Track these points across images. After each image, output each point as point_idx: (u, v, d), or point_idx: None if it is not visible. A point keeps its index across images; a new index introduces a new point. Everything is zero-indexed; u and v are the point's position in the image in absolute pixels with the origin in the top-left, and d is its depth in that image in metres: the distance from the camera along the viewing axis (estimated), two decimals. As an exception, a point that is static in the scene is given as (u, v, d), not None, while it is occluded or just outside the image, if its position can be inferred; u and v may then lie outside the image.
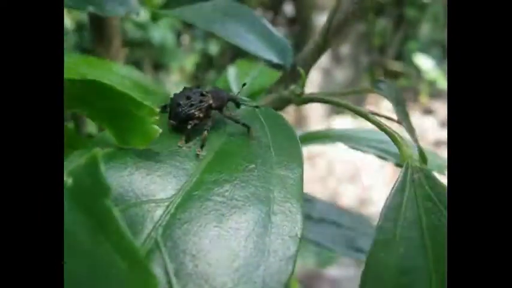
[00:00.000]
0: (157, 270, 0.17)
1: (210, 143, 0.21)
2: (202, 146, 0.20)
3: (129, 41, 2.31)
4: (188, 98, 0.22)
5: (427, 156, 0.25)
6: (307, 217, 0.41)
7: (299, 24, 3.02)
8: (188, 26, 2.81)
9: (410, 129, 0.28)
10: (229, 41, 0.28)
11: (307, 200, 0.42)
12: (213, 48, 2.75)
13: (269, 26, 0.31)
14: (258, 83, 0.39)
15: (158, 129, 0.18)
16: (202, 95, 0.23)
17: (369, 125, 0.28)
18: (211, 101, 0.23)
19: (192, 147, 0.20)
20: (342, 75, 2.77)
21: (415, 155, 0.22)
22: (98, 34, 0.42)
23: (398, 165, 0.36)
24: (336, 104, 0.27)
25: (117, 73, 0.35)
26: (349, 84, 2.76)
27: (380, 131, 0.40)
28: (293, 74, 0.30)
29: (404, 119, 0.28)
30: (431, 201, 0.21)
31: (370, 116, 0.23)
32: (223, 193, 0.19)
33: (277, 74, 0.45)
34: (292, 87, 0.30)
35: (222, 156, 0.20)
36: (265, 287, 0.17)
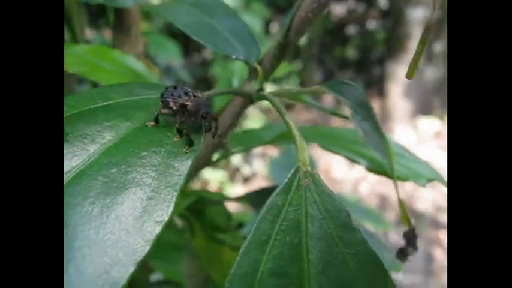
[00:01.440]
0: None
1: (118, 130, 0.23)
2: (180, 135, 0.23)
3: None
4: (175, 88, 0.25)
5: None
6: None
7: (392, 18, 2.88)
8: (278, 13, 2.84)
9: (368, 135, 0.27)
10: (198, 40, 0.30)
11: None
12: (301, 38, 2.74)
13: (242, 23, 0.32)
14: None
15: (57, 112, 0.21)
16: (185, 93, 0.24)
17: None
18: (188, 102, 0.24)
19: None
20: (433, 74, 2.60)
21: (310, 159, 0.22)
22: (118, 22, 0.46)
23: (369, 170, 0.34)
24: (272, 102, 0.27)
25: (115, 60, 0.38)
26: (440, 84, 2.59)
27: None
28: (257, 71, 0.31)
29: (361, 123, 0.28)
30: (317, 208, 0.21)
31: (284, 114, 0.23)
32: (108, 174, 0.21)
33: (292, 67, 0.45)
34: (252, 83, 0.30)
35: (123, 143, 0.22)
36: (118, 262, 0.19)
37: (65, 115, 0.23)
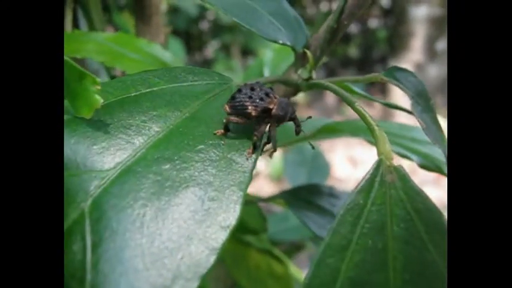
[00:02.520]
0: (76, 244, 0.16)
1: (167, 120, 0.20)
2: (253, 150, 0.19)
3: (218, 26, 2.37)
4: (252, 89, 0.21)
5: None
6: (330, 214, 0.38)
7: (394, 16, 2.86)
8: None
9: (428, 127, 0.24)
10: (237, 21, 0.27)
11: (332, 195, 0.39)
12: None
13: (285, 4, 0.29)
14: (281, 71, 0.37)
15: (100, 99, 0.18)
16: (267, 94, 0.21)
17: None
18: (272, 106, 0.20)
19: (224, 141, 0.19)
20: (436, 71, 2.58)
21: (394, 153, 0.19)
22: (139, 11, 0.43)
23: (422, 166, 0.32)
24: (338, 92, 0.24)
25: (141, 49, 0.35)
26: (443, 82, 2.57)
27: (417, 128, 0.36)
28: (305, 58, 0.28)
29: (422, 114, 0.25)
30: (403, 208, 0.18)
31: (355, 105, 0.20)
32: (161, 172, 0.18)
33: (325, 58, 0.43)
34: (300, 71, 0.27)
35: (174, 135, 0.19)
36: (179, 276, 0.16)
37: (103, 103, 0.20)
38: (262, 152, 0.20)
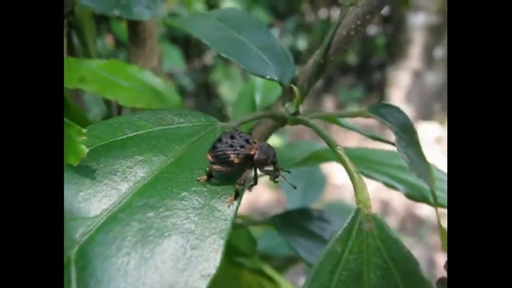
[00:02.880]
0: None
1: (152, 165, 0.20)
2: (235, 197, 0.19)
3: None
4: (232, 138, 0.21)
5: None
6: (319, 239, 0.39)
7: (393, 23, 2.87)
8: (279, 18, 2.82)
9: (413, 162, 0.25)
10: (228, 57, 0.27)
11: (322, 219, 0.40)
12: (301, 43, 2.73)
13: (274, 38, 0.30)
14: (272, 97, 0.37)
15: (85, 149, 0.18)
16: (247, 141, 0.21)
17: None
18: (253, 151, 0.21)
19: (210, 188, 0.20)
20: (433, 79, 2.59)
21: (370, 200, 0.19)
22: (133, 35, 0.44)
23: (408, 196, 0.32)
24: (320, 133, 0.24)
25: (133, 76, 0.36)
26: (440, 89, 2.58)
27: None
28: (292, 92, 0.29)
29: (406, 149, 0.26)
30: (380, 257, 0.18)
31: (337, 149, 0.21)
32: (145, 220, 0.18)
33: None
34: (287, 105, 0.28)
35: (159, 181, 0.19)
36: (161, 325, 0.16)
37: (90, 148, 0.20)
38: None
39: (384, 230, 0.18)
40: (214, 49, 0.27)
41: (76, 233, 0.18)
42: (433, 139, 2.50)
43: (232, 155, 0.20)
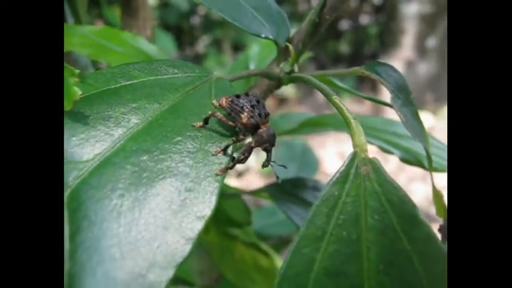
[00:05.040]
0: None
1: (146, 112, 0.20)
2: (224, 150, 0.19)
3: (210, 21, 2.36)
4: (257, 102, 0.21)
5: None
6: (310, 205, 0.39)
7: (385, 13, 2.87)
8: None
9: (408, 121, 0.25)
10: (221, 15, 0.27)
11: (316, 189, 0.40)
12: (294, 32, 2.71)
13: (269, -1, 0.29)
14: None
15: (78, 91, 0.18)
16: (266, 115, 0.21)
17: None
18: (262, 127, 0.21)
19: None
20: (426, 69, 2.60)
21: (368, 145, 0.19)
22: (126, 4, 0.43)
23: (403, 160, 0.32)
24: (316, 84, 0.24)
25: (126, 42, 0.35)
26: (433, 79, 2.58)
27: (400, 123, 0.37)
28: (287, 52, 0.28)
29: (402, 108, 0.25)
30: (378, 200, 0.18)
31: (333, 97, 0.21)
32: (138, 163, 0.18)
33: (309, 54, 0.43)
34: (282, 65, 0.28)
35: (153, 127, 0.19)
36: (155, 265, 0.16)
37: (83, 95, 0.20)
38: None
39: (381, 174, 0.18)
40: (209, 8, 0.27)
41: (69, 177, 0.17)
42: (426, 129, 2.51)
43: (246, 114, 0.20)
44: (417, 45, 2.61)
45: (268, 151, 0.20)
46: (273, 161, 0.21)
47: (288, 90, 2.55)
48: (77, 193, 0.17)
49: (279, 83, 0.29)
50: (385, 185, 0.18)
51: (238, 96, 0.21)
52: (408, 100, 0.27)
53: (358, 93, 0.30)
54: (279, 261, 0.51)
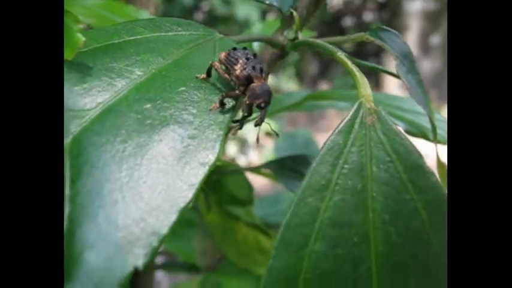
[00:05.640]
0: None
1: (150, 65, 0.20)
2: (220, 106, 0.19)
3: (213, 17, 2.36)
4: (254, 56, 0.20)
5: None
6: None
7: (389, 10, 2.87)
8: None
9: (413, 88, 0.25)
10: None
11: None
12: None
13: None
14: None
15: (82, 38, 0.18)
16: (261, 70, 0.20)
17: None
18: (256, 80, 0.20)
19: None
20: (429, 66, 2.59)
21: (372, 96, 0.19)
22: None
23: (408, 132, 0.32)
24: (322, 47, 0.24)
25: (130, 15, 0.35)
26: (436, 76, 2.58)
27: (402, 98, 0.36)
28: (292, 20, 0.28)
29: (407, 75, 0.25)
30: (383, 149, 0.18)
31: (338, 53, 0.21)
32: (142, 111, 0.18)
33: (312, 33, 0.43)
34: (286, 32, 0.27)
35: (157, 78, 0.19)
36: (156, 209, 0.16)
37: (85, 49, 0.19)
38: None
39: (386, 123, 0.18)
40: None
41: (70, 124, 0.17)
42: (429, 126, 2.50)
43: (239, 65, 0.19)
44: (421, 42, 2.61)
45: (261, 108, 0.20)
46: (267, 122, 0.21)
47: (291, 86, 2.55)
48: (79, 139, 0.17)
49: (282, 50, 0.29)
50: (390, 134, 0.18)
51: (234, 49, 0.20)
52: (413, 68, 0.27)
53: (361, 61, 0.29)
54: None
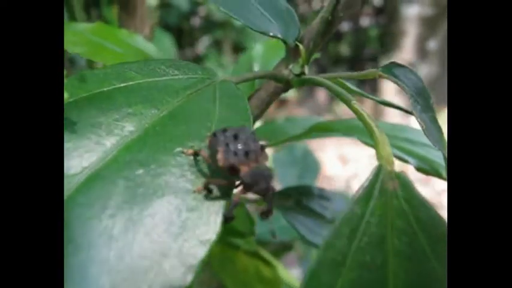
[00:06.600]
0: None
1: (142, 118, 0.17)
2: (204, 187, 0.16)
3: (210, 22, 2.34)
4: (235, 137, 0.17)
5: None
6: (320, 217, 0.36)
7: (386, 15, 2.86)
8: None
9: (428, 128, 0.23)
10: (225, 12, 0.25)
11: (322, 197, 0.38)
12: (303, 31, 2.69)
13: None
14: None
15: (65, 95, 0.16)
16: (246, 153, 0.16)
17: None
18: (244, 168, 0.16)
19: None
20: (426, 71, 2.58)
21: (394, 157, 0.17)
22: (123, 2, 0.41)
23: (419, 169, 0.30)
24: (332, 88, 0.22)
25: (122, 41, 0.33)
26: (433, 81, 2.57)
27: (410, 128, 0.34)
28: (297, 52, 0.26)
29: (421, 114, 0.23)
30: (405, 220, 0.16)
31: (353, 103, 0.19)
32: (133, 177, 0.16)
33: (316, 55, 0.41)
34: (291, 66, 0.25)
35: (150, 135, 0.17)
36: (151, 297, 0.14)
37: (71, 99, 0.17)
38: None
39: (409, 190, 0.16)
40: (216, 5, 0.24)
41: (53, 193, 0.15)
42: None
43: (219, 155, 0.16)
44: (418, 47, 2.60)
45: (263, 195, 0.16)
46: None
47: (289, 92, 2.53)
48: (64, 211, 0.15)
49: (287, 85, 0.27)
50: (414, 202, 0.16)
51: (214, 134, 0.17)
52: (427, 105, 0.25)
53: (369, 95, 0.27)
54: (282, 270, 0.48)
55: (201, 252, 0.14)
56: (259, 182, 0.16)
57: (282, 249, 0.70)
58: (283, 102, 2.56)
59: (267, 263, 0.45)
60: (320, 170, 0.88)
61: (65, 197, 0.15)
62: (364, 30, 3.07)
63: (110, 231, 0.14)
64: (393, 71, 0.24)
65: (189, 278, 0.14)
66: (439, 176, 0.29)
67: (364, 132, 0.32)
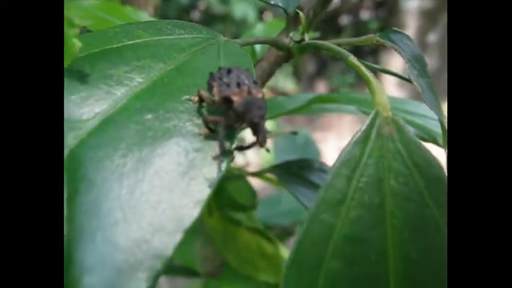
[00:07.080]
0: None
1: (151, 71, 0.18)
2: (209, 131, 0.16)
3: (210, 15, 2.34)
4: (228, 72, 0.18)
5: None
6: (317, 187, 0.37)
7: (386, 8, 2.86)
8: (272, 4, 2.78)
9: (425, 92, 0.23)
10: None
11: (322, 170, 0.38)
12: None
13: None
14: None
15: (78, 43, 0.16)
16: (238, 84, 0.17)
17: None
18: (236, 98, 0.17)
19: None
20: (427, 63, 2.58)
21: (388, 103, 0.18)
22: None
23: (417, 137, 0.31)
24: (332, 48, 0.23)
25: (127, 17, 0.34)
26: (434, 74, 2.57)
27: (409, 101, 0.35)
28: (297, 21, 0.27)
29: (418, 78, 0.24)
30: (402, 161, 0.17)
31: (350, 58, 0.19)
32: (143, 122, 0.16)
33: (316, 34, 0.41)
34: (291, 34, 0.26)
35: (158, 85, 0.18)
36: (160, 229, 0.14)
37: (82, 54, 0.18)
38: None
39: (405, 134, 0.17)
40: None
41: (67, 136, 0.16)
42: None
43: (214, 90, 0.17)
44: (418, 40, 2.60)
45: (255, 124, 0.16)
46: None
47: (288, 85, 2.54)
48: (76, 153, 0.16)
49: (288, 53, 0.27)
50: (409, 146, 0.17)
51: (211, 74, 0.18)
52: (424, 71, 0.26)
53: (372, 64, 0.28)
54: (284, 249, 0.49)
55: (208, 188, 0.15)
56: (251, 110, 0.16)
57: (284, 234, 0.71)
58: (283, 95, 2.56)
59: (269, 239, 0.46)
60: (321, 159, 0.88)
61: (79, 140, 0.16)
62: (364, 24, 3.07)
63: (121, 169, 0.15)
64: (391, 36, 0.25)
65: (197, 212, 0.15)
66: (437, 143, 0.30)
67: (363, 103, 0.33)
